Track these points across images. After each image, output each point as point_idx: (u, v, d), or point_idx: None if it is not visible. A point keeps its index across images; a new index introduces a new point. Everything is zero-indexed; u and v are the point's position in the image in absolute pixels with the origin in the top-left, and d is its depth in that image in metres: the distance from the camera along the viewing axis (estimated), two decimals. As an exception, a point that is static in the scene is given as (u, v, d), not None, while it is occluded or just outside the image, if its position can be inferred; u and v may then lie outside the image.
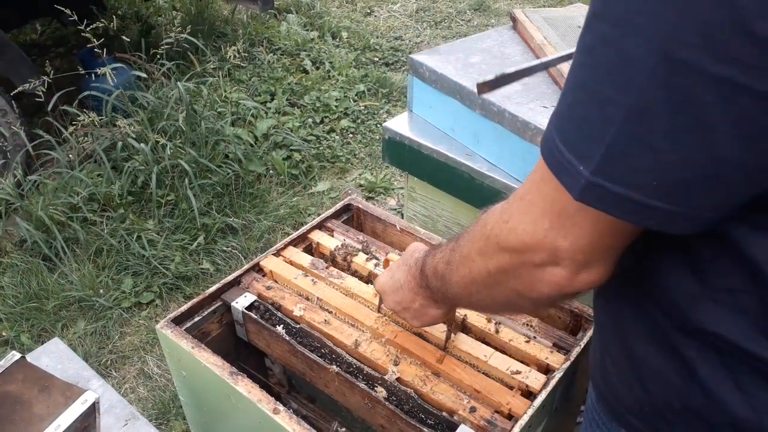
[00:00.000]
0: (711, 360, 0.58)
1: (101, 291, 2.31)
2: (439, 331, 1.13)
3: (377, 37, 4.42)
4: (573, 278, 0.59)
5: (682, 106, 0.45)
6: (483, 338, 1.15)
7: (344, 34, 4.35)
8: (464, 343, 1.11)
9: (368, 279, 1.30)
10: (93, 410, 0.77)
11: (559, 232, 0.57)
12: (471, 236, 0.71)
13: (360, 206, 1.49)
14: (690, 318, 0.58)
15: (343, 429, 1.14)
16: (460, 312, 1.15)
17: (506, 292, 0.67)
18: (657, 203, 0.49)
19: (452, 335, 1.11)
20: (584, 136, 0.51)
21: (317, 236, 1.41)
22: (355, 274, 1.32)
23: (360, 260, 1.32)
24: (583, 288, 0.60)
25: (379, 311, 1.19)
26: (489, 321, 1.16)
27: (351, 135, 3.38)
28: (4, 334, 2.16)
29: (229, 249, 2.55)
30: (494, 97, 1.35)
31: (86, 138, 2.65)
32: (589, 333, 1.11)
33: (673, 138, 0.46)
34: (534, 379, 1.04)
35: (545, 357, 1.08)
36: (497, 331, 1.14)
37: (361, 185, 3.01)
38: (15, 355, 0.82)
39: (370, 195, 2.97)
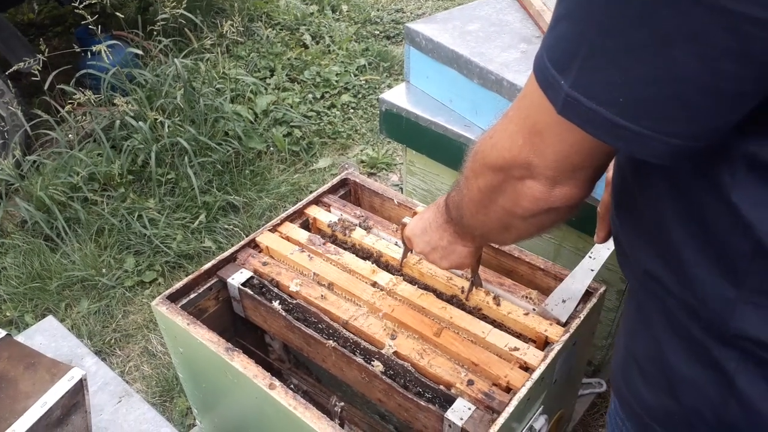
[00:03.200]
0: (750, 371, 0.55)
1: (104, 270, 2.31)
2: (437, 307, 1.12)
3: (378, 10, 4.34)
4: (549, 192, 0.61)
5: (639, 20, 0.45)
6: (482, 311, 1.14)
7: (344, 7, 4.27)
8: (462, 319, 1.10)
9: (365, 254, 1.28)
10: (81, 387, 0.77)
11: (531, 149, 0.58)
12: (468, 156, 0.72)
13: (357, 180, 1.47)
14: (728, 324, 0.55)
15: (342, 403, 1.13)
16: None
17: (497, 211, 0.68)
18: (624, 122, 0.49)
19: (473, 288, 1.12)
20: (565, 50, 0.51)
21: (314, 211, 1.39)
22: (352, 249, 1.30)
23: (358, 235, 1.31)
24: (560, 203, 0.61)
25: (401, 265, 1.20)
26: (488, 294, 1.14)
27: (352, 110, 3.34)
28: (8, 314, 2.17)
29: (231, 227, 2.53)
30: (492, 65, 1.32)
31: (85, 117, 2.63)
32: (589, 305, 1.09)
33: (633, 53, 0.46)
34: (532, 355, 1.02)
35: (544, 329, 1.07)
36: (497, 304, 1.12)
37: (362, 161, 2.98)
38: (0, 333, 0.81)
39: (372, 171, 2.93)
